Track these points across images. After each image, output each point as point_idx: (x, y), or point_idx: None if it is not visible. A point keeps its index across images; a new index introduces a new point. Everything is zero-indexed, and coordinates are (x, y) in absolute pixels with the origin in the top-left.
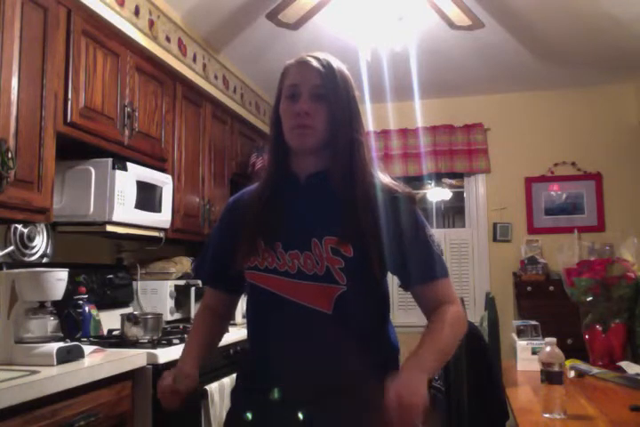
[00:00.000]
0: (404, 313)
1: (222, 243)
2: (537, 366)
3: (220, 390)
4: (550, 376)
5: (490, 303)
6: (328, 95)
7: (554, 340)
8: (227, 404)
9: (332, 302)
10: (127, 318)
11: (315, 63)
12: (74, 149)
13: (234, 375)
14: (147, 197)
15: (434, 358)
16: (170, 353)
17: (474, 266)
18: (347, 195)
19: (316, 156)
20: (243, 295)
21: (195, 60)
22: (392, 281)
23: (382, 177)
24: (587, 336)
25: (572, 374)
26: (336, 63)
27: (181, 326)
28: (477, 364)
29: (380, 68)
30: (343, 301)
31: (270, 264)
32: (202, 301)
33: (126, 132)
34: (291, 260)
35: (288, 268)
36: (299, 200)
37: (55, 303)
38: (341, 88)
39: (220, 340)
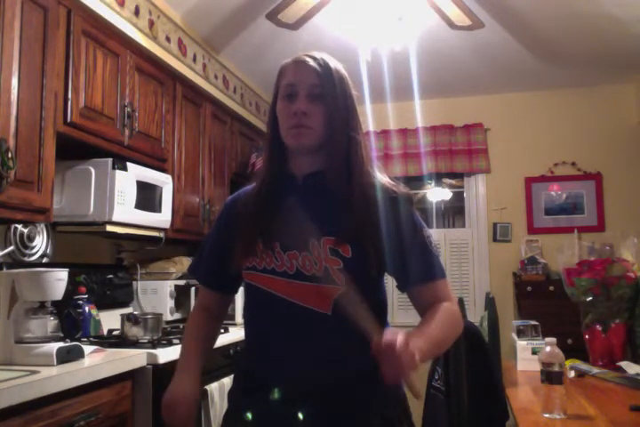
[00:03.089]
0: (404, 313)
1: (219, 243)
2: (537, 366)
3: (220, 390)
4: (550, 376)
5: (490, 303)
6: (325, 95)
7: (554, 340)
8: (227, 404)
9: (330, 303)
10: (127, 318)
11: (312, 62)
12: (74, 149)
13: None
14: (147, 197)
15: (427, 343)
16: (170, 353)
17: (474, 266)
18: (344, 195)
19: (314, 155)
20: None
21: (195, 60)
22: (391, 282)
23: (380, 177)
24: (587, 336)
25: (572, 374)
26: (333, 62)
27: (181, 326)
28: (477, 364)
29: (380, 68)
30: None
31: (268, 265)
32: (196, 301)
33: (126, 132)
34: (289, 260)
35: (286, 268)
36: (297, 200)
37: (55, 303)
38: (338, 87)
39: (215, 341)
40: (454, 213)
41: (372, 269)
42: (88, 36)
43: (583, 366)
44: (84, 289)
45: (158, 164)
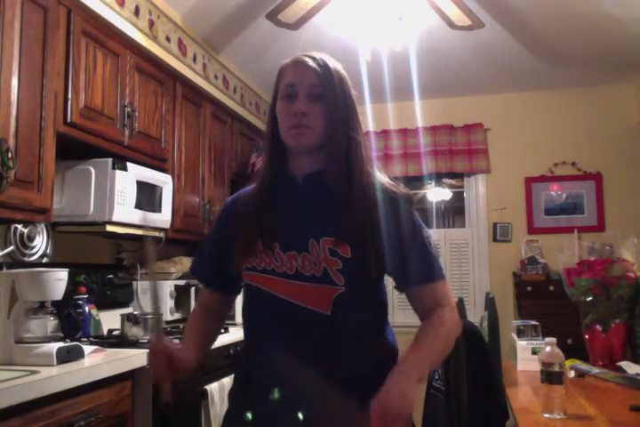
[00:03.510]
0: (404, 313)
1: (219, 243)
2: (537, 366)
3: (220, 390)
4: (550, 376)
5: (490, 303)
6: (325, 95)
7: (554, 340)
8: (227, 404)
9: (330, 303)
10: (127, 318)
11: (311, 63)
12: (74, 149)
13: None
14: (147, 197)
15: (427, 360)
16: None
17: (474, 266)
18: (344, 195)
19: (314, 156)
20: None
21: (195, 60)
22: (391, 282)
23: (380, 177)
24: (587, 336)
25: (572, 374)
26: (332, 62)
27: (181, 326)
28: (477, 364)
29: (380, 68)
30: (341, 302)
31: (268, 265)
32: (197, 301)
33: (126, 132)
34: (288, 261)
35: (286, 269)
36: (296, 201)
37: (55, 303)
38: (338, 87)
39: (214, 341)
40: (454, 213)
41: (371, 270)
42: (88, 36)
43: (583, 366)
44: (84, 289)
45: (158, 164)
